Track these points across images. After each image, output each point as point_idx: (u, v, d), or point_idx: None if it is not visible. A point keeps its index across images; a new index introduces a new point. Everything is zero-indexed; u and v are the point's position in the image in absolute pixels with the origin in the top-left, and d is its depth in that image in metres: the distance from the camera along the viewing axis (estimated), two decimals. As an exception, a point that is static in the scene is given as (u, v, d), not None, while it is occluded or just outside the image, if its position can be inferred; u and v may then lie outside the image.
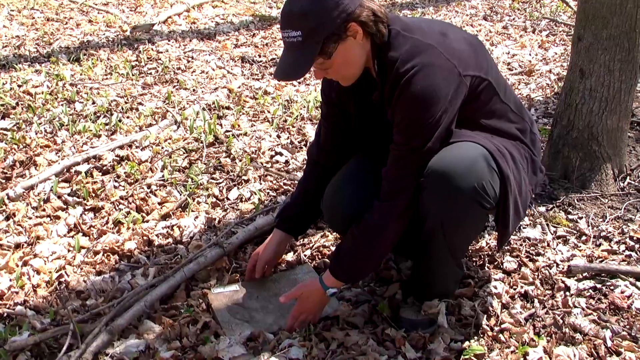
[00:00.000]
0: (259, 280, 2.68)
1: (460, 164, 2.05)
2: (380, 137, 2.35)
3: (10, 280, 2.75)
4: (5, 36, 5.95)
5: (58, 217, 3.20)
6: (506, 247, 2.86)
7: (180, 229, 3.11)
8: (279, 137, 4.11)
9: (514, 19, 7.09)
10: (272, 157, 3.84)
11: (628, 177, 3.41)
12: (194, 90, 4.89)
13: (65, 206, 3.29)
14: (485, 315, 2.45)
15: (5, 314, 2.54)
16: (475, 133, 2.18)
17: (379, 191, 2.20)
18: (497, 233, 2.28)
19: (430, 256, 2.31)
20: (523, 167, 2.26)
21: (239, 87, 4.96)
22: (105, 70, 5.20)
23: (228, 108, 4.55)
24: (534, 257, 2.83)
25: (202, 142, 3.93)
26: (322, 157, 2.61)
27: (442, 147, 2.11)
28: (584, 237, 2.97)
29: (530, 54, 5.88)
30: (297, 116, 4.36)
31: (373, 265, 2.43)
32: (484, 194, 2.06)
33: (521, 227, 3.02)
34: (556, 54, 5.85)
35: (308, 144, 2.96)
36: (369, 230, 2.21)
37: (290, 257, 2.88)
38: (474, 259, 2.81)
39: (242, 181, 3.54)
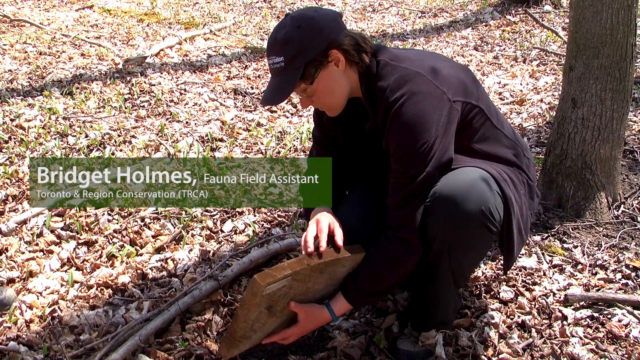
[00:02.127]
0: (309, 272, 2.28)
1: (465, 187, 2.07)
2: (378, 165, 2.37)
3: (2, 315, 2.72)
4: (-2, 70, 5.96)
5: (51, 252, 3.18)
6: (502, 277, 2.85)
7: (175, 262, 3.09)
8: (272, 168, 4.10)
9: (504, 49, 7.15)
10: (265, 189, 3.83)
11: (622, 206, 3.41)
12: (187, 122, 4.90)
13: (58, 240, 3.27)
14: (482, 346, 2.43)
15: (-3, 350, 2.52)
16: (473, 160, 2.20)
17: (385, 218, 2.20)
18: (502, 258, 2.29)
19: (434, 282, 2.30)
20: (522, 192, 2.27)
21: (232, 119, 4.97)
22: (98, 104, 5.20)
23: (221, 140, 4.55)
24: (531, 286, 2.82)
25: (195, 175, 3.92)
26: None
27: (443, 173, 2.12)
28: (579, 266, 2.97)
29: (521, 84, 5.92)
30: (290, 148, 4.37)
31: (389, 287, 2.33)
32: (491, 217, 2.08)
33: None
34: (547, 83, 5.88)
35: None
36: (389, 252, 2.19)
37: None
38: (470, 289, 2.80)
39: (236, 213, 3.53)
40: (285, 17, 2.12)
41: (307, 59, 2.08)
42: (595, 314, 2.61)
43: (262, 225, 3.42)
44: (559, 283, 2.84)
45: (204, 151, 4.28)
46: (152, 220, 3.44)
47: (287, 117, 5.08)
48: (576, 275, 2.91)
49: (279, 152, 4.32)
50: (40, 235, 3.29)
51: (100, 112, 5.03)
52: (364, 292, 2.26)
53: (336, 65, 2.13)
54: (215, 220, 3.47)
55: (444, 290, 2.34)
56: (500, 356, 2.38)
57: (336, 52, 2.11)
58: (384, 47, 2.25)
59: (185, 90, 5.68)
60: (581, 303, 2.68)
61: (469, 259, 2.28)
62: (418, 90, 2.08)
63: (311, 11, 2.12)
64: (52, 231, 3.33)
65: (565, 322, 2.57)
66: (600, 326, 2.56)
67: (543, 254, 3.05)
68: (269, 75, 6.24)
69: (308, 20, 2.08)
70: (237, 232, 3.38)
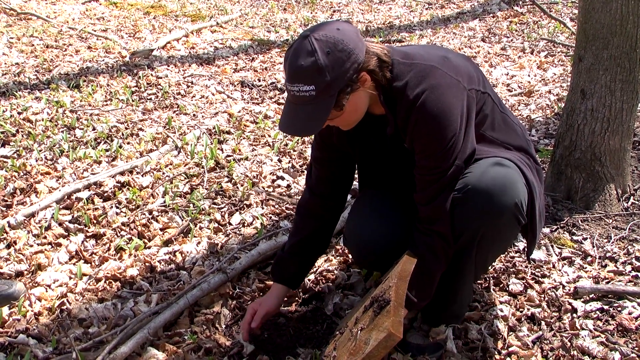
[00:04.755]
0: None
1: (499, 180, 2.08)
2: (388, 168, 2.39)
3: (12, 308, 2.73)
4: (5, 64, 5.96)
5: (59, 245, 3.18)
6: (511, 269, 2.85)
7: (183, 255, 3.09)
8: (280, 161, 4.10)
9: (512, 40, 7.12)
10: (273, 181, 3.83)
11: (632, 197, 3.40)
12: (194, 115, 4.89)
13: (66, 233, 3.27)
14: (492, 339, 2.42)
15: (6, 343, 2.52)
16: (492, 147, 2.22)
17: (402, 219, 2.24)
18: (526, 242, 2.34)
19: (457, 275, 2.30)
20: (535, 176, 2.28)
21: (239, 112, 4.96)
22: (105, 96, 5.20)
23: (229, 133, 4.55)
24: (540, 278, 2.81)
25: (203, 167, 3.92)
26: (319, 203, 2.53)
27: (469, 162, 2.13)
28: (589, 258, 2.96)
29: (529, 75, 5.89)
30: (298, 140, 4.36)
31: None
32: (522, 209, 2.11)
33: (525, 249, 3.00)
34: (555, 74, 5.86)
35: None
36: (432, 247, 2.17)
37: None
38: (479, 282, 2.79)
39: (244, 206, 3.52)
40: (305, 40, 1.96)
41: (340, 87, 1.97)
42: (605, 307, 2.60)
43: (270, 217, 3.41)
44: (568, 275, 2.83)
45: (212, 144, 4.27)
46: (160, 213, 3.44)
47: (294, 110, 5.06)
48: (586, 267, 2.90)
49: (286, 145, 4.31)
50: (48, 228, 3.29)
51: (107, 105, 5.03)
52: (424, 297, 2.24)
53: (363, 86, 2.05)
54: (223, 212, 3.47)
55: (466, 283, 2.35)
56: (510, 349, 2.37)
57: (365, 74, 2.03)
58: (391, 47, 2.21)
59: (192, 82, 5.68)
60: (591, 295, 2.67)
61: (494, 251, 2.32)
62: (437, 83, 2.06)
63: (334, 31, 1.97)
64: (60, 224, 3.33)
65: (575, 315, 2.56)
66: (610, 319, 2.55)
67: (552, 246, 3.04)
68: (276, 67, 6.22)
69: (336, 44, 1.94)
70: (245, 224, 3.37)
